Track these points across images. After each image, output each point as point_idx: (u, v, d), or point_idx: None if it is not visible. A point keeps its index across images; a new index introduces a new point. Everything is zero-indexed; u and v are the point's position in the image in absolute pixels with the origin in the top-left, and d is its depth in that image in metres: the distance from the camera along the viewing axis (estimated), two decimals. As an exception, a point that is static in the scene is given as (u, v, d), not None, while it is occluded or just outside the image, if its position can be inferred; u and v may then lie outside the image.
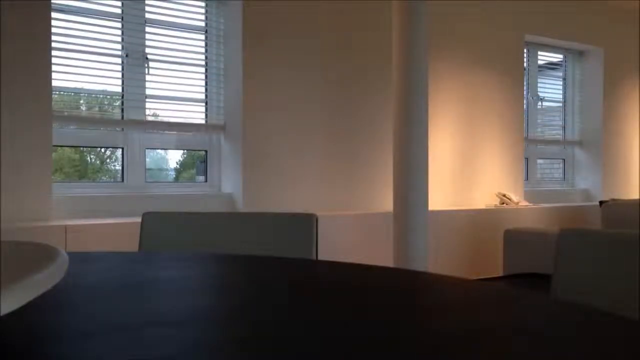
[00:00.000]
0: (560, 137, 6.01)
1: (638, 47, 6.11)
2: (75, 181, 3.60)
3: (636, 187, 6.22)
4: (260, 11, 3.95)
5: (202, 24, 3.97)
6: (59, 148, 3.56)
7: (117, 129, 3.71)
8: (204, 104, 3.98)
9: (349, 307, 0.69)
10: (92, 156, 3.82)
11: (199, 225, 1.45)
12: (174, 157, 4.11)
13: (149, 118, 3.81)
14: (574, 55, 6.03)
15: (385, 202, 4.32)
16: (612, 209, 4.16)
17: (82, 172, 3.74)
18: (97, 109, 3.85)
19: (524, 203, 5.12)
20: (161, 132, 3.87)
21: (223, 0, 3.98)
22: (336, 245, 3.75)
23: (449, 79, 4.86)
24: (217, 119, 3.99)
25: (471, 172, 5.00)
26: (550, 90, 5.95)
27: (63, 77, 3.46)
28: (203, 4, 3.96)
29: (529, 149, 5.63)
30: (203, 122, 3.98)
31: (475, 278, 4.18)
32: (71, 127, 3.62)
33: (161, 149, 3.93)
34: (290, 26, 4.08)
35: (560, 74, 6.03)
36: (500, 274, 4.56)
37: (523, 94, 5.42)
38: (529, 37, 5.45)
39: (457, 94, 4.92)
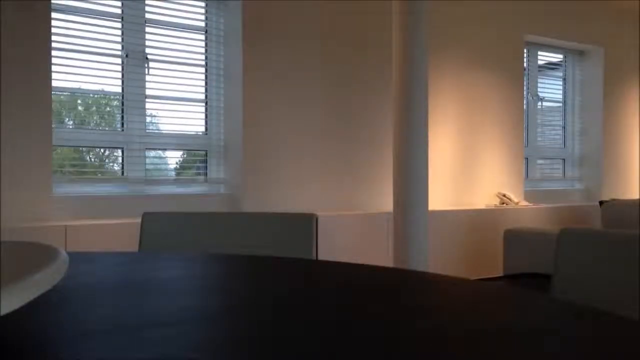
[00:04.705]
0: (559, 137, 6.01)
1: (638, 47, 6.11)
2: (75, 181, 3.59)
3: (636, 187, 6.22)
4: (260, 11, 3.95)
5: (202, 24, 3.97)
6: (59, 148, 3.56)
7: (118, 129, 3.72)
8: (204, 104, 3.98)
9: (349, 307, 0.69)
10: (91, 156, 3.82)
11: (199, 225, 1.45)
12: (174, 157, 4.10)
13: (149, 121, 3.81)
14: (574, 55, 6.03)
15: (385, 202, 4.32)
16: (612, 209, 4.16)
17: (81, 171, 3.73)
18: (94, 108, 3.85)
19: (524, 203, 5.12)
20: (161, 131, 3.88)
21: (223, 0, 3.98)
22: (336, 245, 3.75)
23: (449, 79, 4.86)
24: (217, 118, 3.99)
25: (471, 172, 5.00)
26: (550, 90, 5.95)
27: (63, 77, 3.46)
28: (203, 4, 3.96)
29: (529, 149, 5.63)
30: (202, 127, 3.98)
31: (475, 278, 4.18)
32: (70, 126, 3.62)
33: (161, 149, 3.93)
34: (290, 26, 4.08)
35: (560, 74, 6.03)
36: (500, 274, 4.56)
37: (523, 94, 5.42)
38: (529, 37, 5.45)
39: (457, 94, 4.92)
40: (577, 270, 1.05)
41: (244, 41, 3.89)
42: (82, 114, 3.76)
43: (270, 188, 3.99)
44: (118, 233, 3.14)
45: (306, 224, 1.32)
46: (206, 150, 4.01)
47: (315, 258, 1.30)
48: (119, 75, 3.66)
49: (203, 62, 3.97)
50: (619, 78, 6.10)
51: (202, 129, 4.00)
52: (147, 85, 3.74)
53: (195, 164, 4.09)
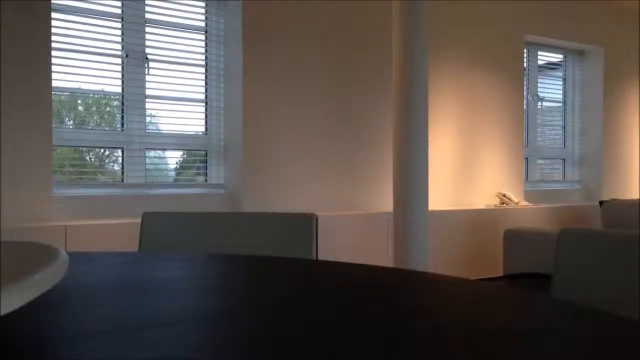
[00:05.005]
0: (559, 137, 6.01)
1: (638, 47, 6.11)
2: (75, 181, 3.60)
3: (636, 187, 6.22)
4: (260, 11, 3.95)
5: (202, 24, 3.97)
6: (59, 148, 3.56)
7: (118, 129, 3.72)
8: (204, 104, 3.98)
9: (349, 307, 0.69)
10: (91, 156, 3.82)
11: (198, 225, 1.45)
12: (174, 157, 4.10)
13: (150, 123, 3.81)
14: (574, 55, 6.03)
15: (385, 202, 4.32)
16: (612, 209, 4.16)
17: (81, 172, 3.74)
18: (94, 108, 3.85)
19: (524, 203, 5.12)
20: (161, 131, 3.88)
21: (223, 0, 3.98)
22: (336, 245, 3.75)
23: (449, 79, 4.86)
24: (217, 118, 4.00)
25: (471, 172, 5.00)
26: (550, 90, 5.95)
27: (63, 77, 3.46)
28: (203, 4, 3.96)
29: (529, 149, 5.63)
30: (202, 127, 3.99)
31: (475, 278, 4.18)
32: (70, 126, 3.62)
33: (161, 149, 3.92)
34: (290, 26, 4.08)
35: (560, 74, 6.03)
36: (500, 274, 4.56)
37: (523, 94, 5.42)
38: (529, 37, 5.45)
39: (457, 94, 4.92)
40: (577, 270, 1.05)
41: (244, 41, 3.89)
42: (82, 114, 3.76)
43: (270, 188, 3.99)
44: (118, 233, 3.13)
45: (306, 224, 1.32)
46: (206, 151, 4.01)
47: (315, 258, 1.30)
48: (119, 75, 3.66)
49: (203, 62, 3.97)
50: (619, 78, 6.10)
51: (202, 129, 4.00)
52: (147, 85, 3.74)
53: (195, 164, 4.09)
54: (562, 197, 5.81)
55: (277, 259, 1.08)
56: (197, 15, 3.95)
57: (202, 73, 3.97)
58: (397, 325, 0.60)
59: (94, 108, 3.85)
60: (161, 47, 3.79)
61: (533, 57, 5.69)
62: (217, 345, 0.54)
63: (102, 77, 3.61)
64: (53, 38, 3.34)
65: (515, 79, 5.31)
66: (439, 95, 4.74)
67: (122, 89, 3.67)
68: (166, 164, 4.08)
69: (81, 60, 3.51)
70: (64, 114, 3.65)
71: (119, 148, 3.71)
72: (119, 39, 3.65)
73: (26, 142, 3.20)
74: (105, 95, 3.76)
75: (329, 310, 0.68)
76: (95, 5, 3.56)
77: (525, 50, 5.49)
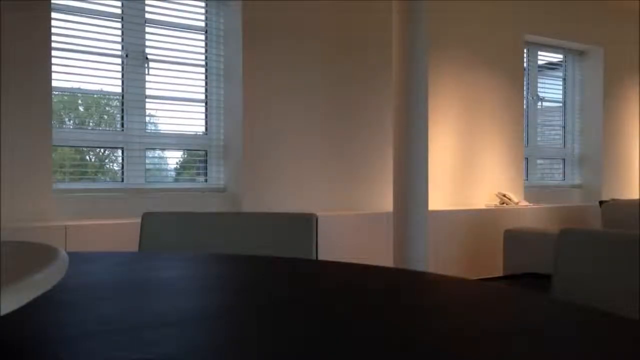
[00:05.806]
0: (559, 137, 6.01)
1: (638, 47, 6.11)
2: (75, 181, 3.60)
3: (636, 187, 6.22)
4: (260, 11, 3.95)
5: (202, 24, 3.97)
6: (59, 148, 3.56)
7: (118, 129, 3.72)
8: (204, 104, 3.98)
9: (349, 307, 0.69)
10: (91, 156, 3.82)
11: (198, 225, 1.45)
12: (174, 157, 4.10)
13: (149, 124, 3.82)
14: (574, 55, 6.03)
15: (385, 202, 4.32)
16: (612, 209, 4.16)
17: (81, 172, 3.73)
18: (94, 108, 3.85)
19: (524, 203, 5.12)
20: (161, 131, 3.88)
21: (223, 0, 3.98)
22: (336, 245, 3.75)
23: (449, 79, 4.86)
24: (217, 118, 4.00)
25: (471, 172, 5.00)
26: (550, 90, 5.95)
27: (63, 77, 3.46)
28: (203, 4, 3.96)
29: (529, 149, 5.63)
30: (202, 127, 3.99)
31: (475, 278, 4.18)
32: (70, 126, 3.62)
33: (161, 149, 3.92)
34: (290, 26, 4.08)
35: (560, 74, 6.03)
36: (500, 274, 4.56)
37: (523, 94, 5.42)
38: (529, 37, 5.44)
39: (457, 94, 4.92)
40: (577, 270, 1.05)
41: (244, 41, 3.89)
42: (82, 114, 3.76)
43: (270, 188, 3.99)
44: (118, 233, 3.13)
45: (306, 224, 1.32)
46: (206, 150, 4.01)
47: (315, 258, 1.30)
48: (119, 75, 3.66)
49: (203, 62, 3.97)
50: (619, 78, 6.10)
51: (202, 129, 4.00)
52: (147, 85, 3.74)
53: (195, 164, 4.09)
54: (562, 197, 5.81)
55: (277, 259, 1.08)
56: (197, 15, 3.95)
57: (202, 73, 3.97)
58: (397, 325, 0.60)
59: (94, 108, 3.85)
60: (161, 47, 3.79)
61: (533, 57, 5.69)
62: (217, 345, 0.54)
63: (102, 77, 3.61)
64: (53, 38, 3.34)
65: (515, 79, 5.31)
66: (439, 95, 4.74)
67: (122, 89, 3.67)
68: (166, 164, 4.07)
69: (81, 60, 3.51)
70: (64, 114, 3.65)
71: (119, 148, 3.71)
72: (119, 39, 3.65)
73: (26, 142, 3.20)
74: (105, 95, 3.76)
75: (329, 310, 0.68)
76: (95, 5, 3.56)
77: (525, 50, 5.49)
